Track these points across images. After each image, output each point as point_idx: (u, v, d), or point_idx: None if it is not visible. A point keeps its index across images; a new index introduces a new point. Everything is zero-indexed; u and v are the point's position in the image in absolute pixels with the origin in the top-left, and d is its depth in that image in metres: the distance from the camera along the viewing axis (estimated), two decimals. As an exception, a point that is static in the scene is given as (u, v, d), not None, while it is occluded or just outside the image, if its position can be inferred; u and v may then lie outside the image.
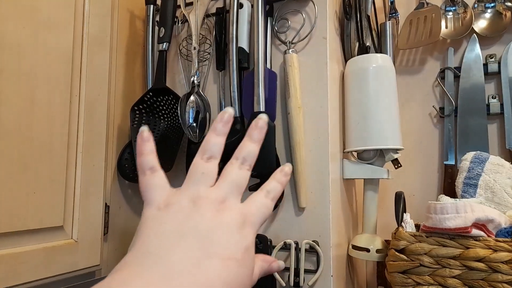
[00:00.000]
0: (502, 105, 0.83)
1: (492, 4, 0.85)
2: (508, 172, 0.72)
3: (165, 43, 0.73)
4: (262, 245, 0.63)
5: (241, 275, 0.26)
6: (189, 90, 0.70)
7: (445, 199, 0.68)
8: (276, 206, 0.66)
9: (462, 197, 0.72)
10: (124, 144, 0.74)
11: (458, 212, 0.56)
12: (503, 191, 0.69)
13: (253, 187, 0.67)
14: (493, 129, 0.85)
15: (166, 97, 0.73)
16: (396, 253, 0.60)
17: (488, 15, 0.86)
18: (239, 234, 0.27)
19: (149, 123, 0.74)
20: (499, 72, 0.84)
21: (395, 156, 0.70)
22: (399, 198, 0.68)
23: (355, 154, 0.76)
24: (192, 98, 0.68)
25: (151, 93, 0.72)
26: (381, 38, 0.84)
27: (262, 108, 0.64)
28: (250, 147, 0.32)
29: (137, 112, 0.73)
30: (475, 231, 0.55)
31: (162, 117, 0.75)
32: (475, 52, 0.86)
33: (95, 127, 0.68)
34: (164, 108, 0.74)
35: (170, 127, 0.74)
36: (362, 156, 0.74)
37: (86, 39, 0.65)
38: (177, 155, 0.72)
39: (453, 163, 0.86)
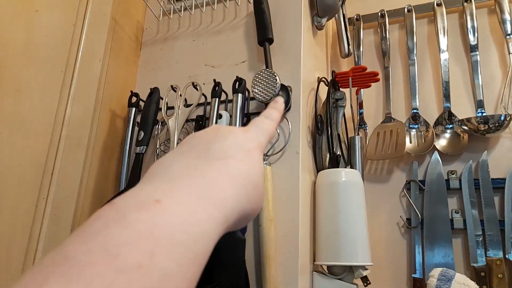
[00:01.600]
0: (465, 220, 0.86)
1: (450, 126, 0.93)
2: (474, 295, 0.73)
3: (143, 147, 0.74)
4: None
5: (244, 171, 0.27)
6: (161, 195, 0.70)
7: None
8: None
9: (431, 319, 0.71)
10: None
11: None
12: (470, 315, 0.69)
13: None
14: (457, 244, 0.87)
15: (138, 200, 0.72)
16: None
17: (447, 135, 0.93)
18: (240, 138, 0.29)
19: (117, 225, 0.71)
20: (460, 188, 0.89)
21: (364, 273, 0.70)
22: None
23: (325, 267, 0.75)
24: (164, 205, 0.67)
25: (122, 195, 0.72)
26: (351, 150, 0.89)
27: (234, 221, 0.64)
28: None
29: (106, 213, 0.71)
30: None
31: (131, 220, 0.73)
32: (437, 168, 0.92)
33: (60, 229, 0.65)
34: (135, 210, 0.73)
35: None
36: (332, 270, 0.73)
37: (63, 143, 0.66)
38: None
39: (421, 276, 0.86)
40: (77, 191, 0.69)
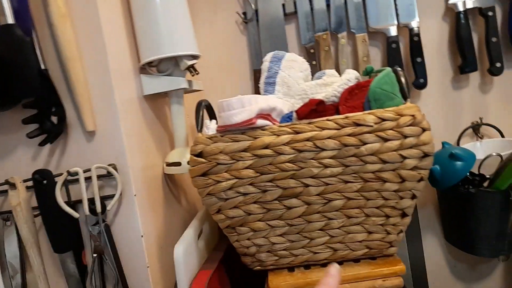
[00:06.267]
0: (295, 3, 0.86)
1: None
2: (301, 66, 0.76)
3: None
4: (47, 181, 0.56)
5: None
6: None
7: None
8: (59, 134, 0.58)
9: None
10: None
11: (244, 106, 0.57)
12: (295, 83, 0.73)
13: (26, 120, 0.57)
14: (291, 29, 0.88)
15: None
16: (194, 157, 0.58)
17: None
18: None
19: None
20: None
21: (190, 63, 0.67)
22: (200, 106, 0.66)
23: (154, 69, 0.70)
24: None
25: None
26: None
27: (11, 20, 0.52)
28: None
29: None
30: (260, 121, 0.57)
31: None
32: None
33: None
34: None
35: None
36: (160, 68, 0.69)
37: None
38: None
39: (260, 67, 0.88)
40: None
